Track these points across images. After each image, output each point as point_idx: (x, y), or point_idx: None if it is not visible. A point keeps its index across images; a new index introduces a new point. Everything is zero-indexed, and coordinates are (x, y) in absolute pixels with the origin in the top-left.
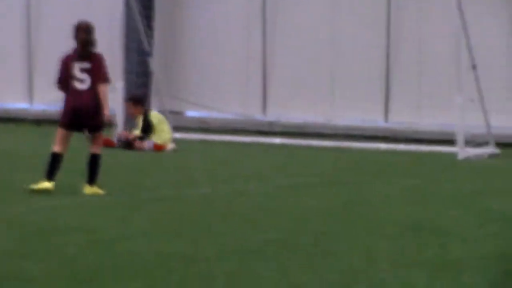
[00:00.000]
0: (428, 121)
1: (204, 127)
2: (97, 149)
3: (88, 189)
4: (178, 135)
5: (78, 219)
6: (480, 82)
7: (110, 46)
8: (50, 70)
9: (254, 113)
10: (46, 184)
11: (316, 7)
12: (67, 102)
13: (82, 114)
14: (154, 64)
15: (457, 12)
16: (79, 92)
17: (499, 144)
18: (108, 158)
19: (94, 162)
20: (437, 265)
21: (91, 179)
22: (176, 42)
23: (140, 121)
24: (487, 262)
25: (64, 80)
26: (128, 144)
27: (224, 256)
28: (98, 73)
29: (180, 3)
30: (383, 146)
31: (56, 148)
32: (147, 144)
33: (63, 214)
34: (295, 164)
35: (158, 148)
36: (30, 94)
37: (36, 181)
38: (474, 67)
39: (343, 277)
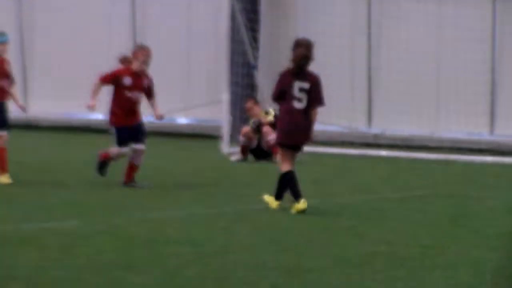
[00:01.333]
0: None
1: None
2: (293, 166)
3: (303, 204)
4: None
5: (182, 231)
6: None
7: (215, 58)
8: (158, 81)
9: (360, 126)
10: (301, 204)
11: (421, 21)
12: (284, 120)
13: (297, 133)
14: (259, 76)
15: None
16: (296, 111)
17: None
18: (213, 169)
19: (294, 178)
20: None
21: (298, 195)
22: (281, 55)
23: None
24: None
25: (280, 96)
26: (259, 127)
27: (329, 269)
28: (316, 94)
29: (285, 16)
30: (489, 159)
31: (285, 167)
32: (273, 135)
33: (167, 226)
34: (401, 177)
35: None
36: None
37: (137, 191)
38: None
39: None
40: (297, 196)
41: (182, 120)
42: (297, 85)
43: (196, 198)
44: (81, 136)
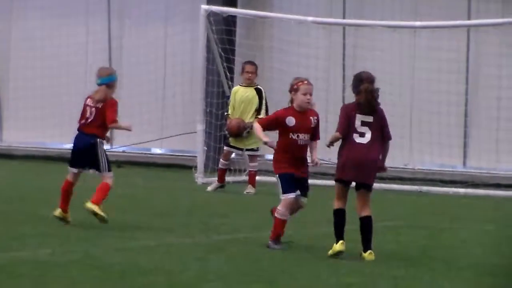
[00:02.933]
0: (506, 166)
1: None
2: (368, 211)
3: (369, 255)
4: (258, 177)
5: (156, 261)
6: None
7: (190, 89)
8: (133, 111)
9: (334, 158)
10: (338, 246)
11: (396, 51)
12: (343, 155)
13: (359, 169)
14: None
15: None
16: (358, 146)
17: None
18: (188, 198)
19: (368, 225)
20: None
21: (368, 245)
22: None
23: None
24: None
25: (344, 131)
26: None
27: None
28: (381, 128)
29: (260, 47)
30: (461, 190)
31: (337, 204)
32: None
33: (141, 256)
34: (374, 208)
35: None
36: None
37: (112, 220)
38: None
39: None
40: (337, 237)
41: (157, 150)
42: (360, 118)
43: (171, 228)
44: (55, 165)
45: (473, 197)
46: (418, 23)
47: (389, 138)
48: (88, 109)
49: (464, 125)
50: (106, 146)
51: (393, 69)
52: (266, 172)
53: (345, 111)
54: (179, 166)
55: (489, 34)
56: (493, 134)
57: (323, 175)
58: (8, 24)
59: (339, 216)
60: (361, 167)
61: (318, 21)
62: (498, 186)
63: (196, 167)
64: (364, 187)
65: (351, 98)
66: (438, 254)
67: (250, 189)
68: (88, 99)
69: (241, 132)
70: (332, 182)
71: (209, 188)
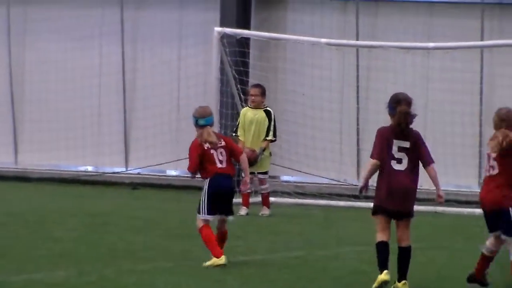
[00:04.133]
0: None
1: (299, 191)
2: (408, 240)
3: (403, 286)
4: (273, 198)
5: (173, 283)
6: None
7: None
8: (147, 133)
9: (349, 178)
10: (383, 275)
11: (409, 72)
12: (382, 183)
13: (402, 198)
14: None
15: None
16: (397, 174)
17: None
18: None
19: (407, 255)
20: None
21: (404, 274)
22: (270, 107)
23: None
24: None
25: (381, 157)
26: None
27: None
28: (421, 153)
29: (274, 68)
30: (477, 210)
31: (380, 237)
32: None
33: (156, 277)
34: (390, 229)
35: None
36: (126, 159)
37: (127, 241)
38: None
39: None
40: (380, 267)
41: (172, 172)
42: (397, 144)
43: (186, 250)
44: (70, 188)
45: None
46: (431, 44)
47: (432, 161)
48: (214, 153)
49: (479, 145)
50: (121, 168)
51: (407, 90)
52: (282, 194)
53: (382, 135)
54: (194, 188)
55: (503, 54)
56: None
57: (339, 195)
58: (22, 47)
59: (384, 249)
60: (402, 196)
61: (332, 42)
62: None
63: None
64: (406, 216)
65: (365, 120)
66: (454, 274)
67: (265, 211)
68: (206, 145)
69: (253, 162)
70: (345, 203)
71: (242, 213)
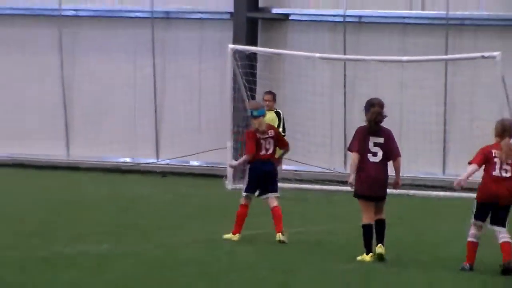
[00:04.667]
0: (477, 173)
1: (297, 178)
2: (382, 215)
3: (379, 248)
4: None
5: (193, 254)
6: None
7: (221, 113)
8: (174, 131)
9: (337, 167)
10: (368, 257)
11: (387, 81)
12: (362, 174)
13: (377, 185)
14: None
15: (501, 85)
16: (373, 165)
17: None
18: (219, 202)
19: (382, 226)
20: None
21: (381, 240)
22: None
23: None
24: None
25: (360, 150)
26: None
27: (311, 282)
28: (391, 147)
29: (276, 78)
30: (441, 193)
31: (365, 219)
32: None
33: (180, 250)
34: None
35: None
36: (157, 152)
37: (157, 220)
38: None
39: None
40: (367, 249)
41: (194, 162)
42: (372, 140)
43: (204, 227)
44: (112, 176)
45: (451, 199)
46: (404, 58)
47: (399, 155)
48: (263, 142)
49: (443, 140)
50: (153, 159)
51: (385, 95)
52: (283, 180)
53: (359, 133)
54: (212, 176)
55: (461, 66)
56: (466, 148)
57: (330, 181)
58: (72, 61)
59: (369, 231)
60: (378, 184)
61: (324, 56)
62: (471, 189)
63: (226, 176)
64: (382, 199)
65: (351, 120)
66: (425, 249)
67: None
68: (257, 134)
69: None
70: (332, 187)
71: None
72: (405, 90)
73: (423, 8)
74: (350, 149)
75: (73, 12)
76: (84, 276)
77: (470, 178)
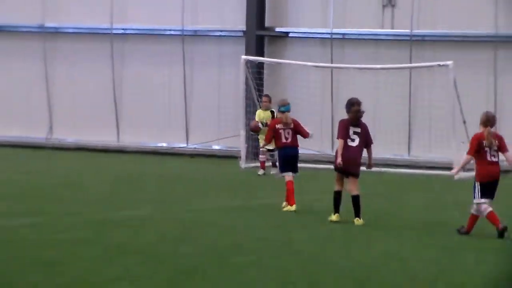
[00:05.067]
0: (437, 155)
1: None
2: (356, 191)
3: (357, 221)
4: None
5: (214, 217)
6: (468, 131)
7: (236, 108)
8: (200, 122)
9: (326, 150)
10: (334, 217)
11: (365, 86)
12: (342, 154)
13: (350, 164)
14: None
15: (453, 87)
16: (351, 148)
17: None
18: (234, 178)
19: (357, 201)
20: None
21: (358, 214)
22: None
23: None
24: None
25: (343, 137)
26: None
27: (305, 242)
28: (366, 137)
29: (278, 82)
30: (407, 171)
31: (337, 187)
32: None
33: (205, 214)
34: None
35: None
36: (186, 135)
37: (188, 191)
38: (464, 122)
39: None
40: (335, 210)
41: (216, 146)
42: (352, 129)
43: (223, 196)
44: (152, 157)
45: (415, 175)
46: (378, 66)
47: (372, 143)
48: (282, 132)
49: (408, 129)
50: (184, 144)
51: (362, 95)
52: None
53: (343, 124)
54: (230, 157)
55: (422, 72)
56: (426, 135)
57: (320, 161)
58: (121, 68)
59: (338, 196)
60: (352, 162)
61: (316, 65)
62: (432, 168)
63: (240, 157)
64: (354, 175)
65: (338, 114)
66: (391, 211)
67: (274, 171)
68: (276, 126)
69: (257, 128)
70: (321, 166)
71: (259, 173)
72: (378, 91)
73: (392, 27)
74: (338, 137)
75: (122, 31)
76: (131, 234)
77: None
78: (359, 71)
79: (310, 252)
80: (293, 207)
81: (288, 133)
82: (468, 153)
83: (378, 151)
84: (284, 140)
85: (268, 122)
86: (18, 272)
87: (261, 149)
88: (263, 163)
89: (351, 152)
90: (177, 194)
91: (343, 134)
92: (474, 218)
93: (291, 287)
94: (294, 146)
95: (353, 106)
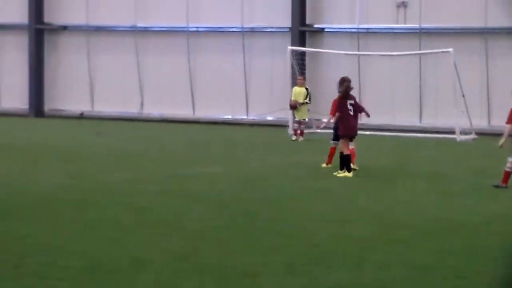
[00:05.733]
0: (433, 122)
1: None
2: (350, 150)
3: (340, 173)
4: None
5: (268, 172)
6: (466, 103)
7: (286, 86)
8: (258, 97)
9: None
10: (348, 174)
11: (383, 69)
12: (345, 122)
13: (352, 129)
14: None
15: (454, 69)
16: (351, 117)
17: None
18: (282, 142)
19: (349, 158)
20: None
21: (344, 168)
22: (314, 83)
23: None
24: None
25: (340, 111)
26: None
27: (304, 198)
28: (358, 106)
29: (316, 68)
30: (420, 135)
31: (346, 151)
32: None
33: (263, 170)
34: (365, 146)
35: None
36: (247, 109)
37: (249, 152)
38: (463, 96)
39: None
40: (345, 168)
41: (269, 117)
42: (348, 102)
43: (273, 157)
44: (221, 127)
45: (426, 139)
46: (394, 53)
47: (362, 110)
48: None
49: (419, 102)
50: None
51: (382, 77)
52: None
53: (340, 100)
54: (281, 126)
55: (429, 58)
56: (433, 106)
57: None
58: (195, 55)
59: (348, 158)
60: (353, 128)
61: (345, 53)
62: (438, 132)
63: (288, 126)
64: (354, 137)
65: (364, 94)
66: (407, 166)
67: (301, 138)
68: (348, 102)
69: (295, 106)
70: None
71: (293, 138)
72: (395, 74)
73: (405, 23)
74: (335, 112)
75: (195, 29)
76: (203, 186)
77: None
78: (379, 57)
79: (343, 196)
80: (350, 174)
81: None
82: (507, 122)
83: (395, 119)
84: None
85: (302, 100)
86: (117, 214)
87: (295, 120)
88: (296, 131)
89: (352, 120)
90: (239, 155)
91: (339, 108)
92: (508, 173)
93: (329, 226)
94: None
95: (345, 83)
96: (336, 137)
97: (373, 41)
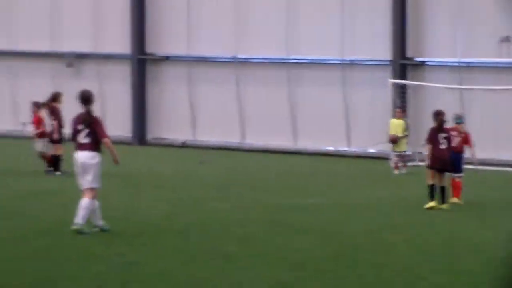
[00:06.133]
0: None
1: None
2: (445, 183)
3: (445, 206)
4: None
5: (369, 204)
6: None
7: (385, 119)
8: (361, 128)
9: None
10: (431, 203)
11: (485, 103)
12: (434, 155)
13: (442, 162)
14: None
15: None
16: (442, 150)
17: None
18: (383, 173)
19: (443, 191)
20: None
21: (444, 200)
22: (414, 113)
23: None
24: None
25: (431, 142)
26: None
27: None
28: (448, 140)
29: (418, 99)
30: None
31: (430, 181)
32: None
33: (363, 202)
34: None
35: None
36: (348, 140)
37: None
38: None
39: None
40: (431, 198)
41: (370, 150)
42: (441, 135)
43: (374, 187)
44: (322, 158)
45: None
46: (498, 87)
47: (452, 145)
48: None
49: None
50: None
51: (484, 110)
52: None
53: (432, 131)
54: (382, 158)
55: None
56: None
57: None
58: (295, 86)
59: (432, 189)
60: (443, 161)
61: (446, 86)
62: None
63: (390, 159)
64: (443, 171)
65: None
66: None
67: (403, 170)
68: (453, 132)
69: (396, 141)
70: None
71: (395, 172)
72: (499, 107)
73: (509, 57)
74: (427, 142)
75: (295, 60)
76: (305, 217)
77: None
78: (482, 91)
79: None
80: (455, 200)
81: (444, 139)
82: None
83: (499, 153)
84: (441, 146)
85: (400, 132)
86: (220, 242)
87: (395, 153)
88: (396, 164)
89: (442, 154)
90: (341, 186)
91: (433, 138)
92: None
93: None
94: (458, 152)
95: (439, 116)
96: (453, 170)
97: (475, 75)
